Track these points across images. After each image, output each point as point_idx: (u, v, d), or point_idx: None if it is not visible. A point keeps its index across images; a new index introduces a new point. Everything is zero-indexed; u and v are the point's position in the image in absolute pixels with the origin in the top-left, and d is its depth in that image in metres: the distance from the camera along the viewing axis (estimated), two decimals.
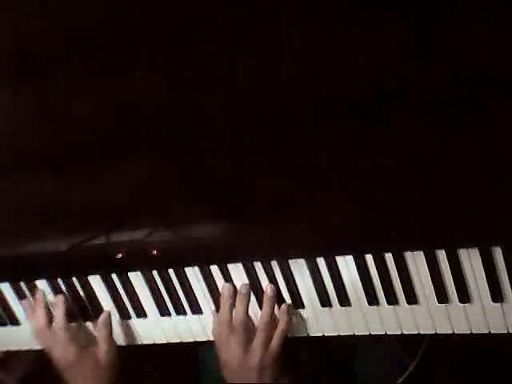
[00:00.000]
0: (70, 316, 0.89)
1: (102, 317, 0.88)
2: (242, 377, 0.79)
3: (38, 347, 1.00)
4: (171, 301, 0.88)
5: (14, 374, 1.13)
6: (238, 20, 0.66)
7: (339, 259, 0.77)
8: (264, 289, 0.81)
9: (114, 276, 0.90)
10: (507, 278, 0.70)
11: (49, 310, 0.88)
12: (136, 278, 0.88)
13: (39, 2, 0.70)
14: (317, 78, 0.67)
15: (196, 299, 0.86)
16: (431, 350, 0.88)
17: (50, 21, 0.71)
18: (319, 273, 0.79)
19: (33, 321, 0.89)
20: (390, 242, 0.74)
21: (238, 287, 0.82)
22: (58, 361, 0.87)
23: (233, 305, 0.81)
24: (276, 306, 0.81)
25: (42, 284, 0.94)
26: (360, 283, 0.77)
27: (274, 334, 0.80)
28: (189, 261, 0.84)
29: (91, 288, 0.92)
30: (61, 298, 0.89)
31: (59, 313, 0.87)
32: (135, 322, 0.91)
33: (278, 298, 0.82)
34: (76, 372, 0.86)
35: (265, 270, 0.81)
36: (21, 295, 0.96)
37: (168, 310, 0.88)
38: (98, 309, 0.93)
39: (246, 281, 0.82)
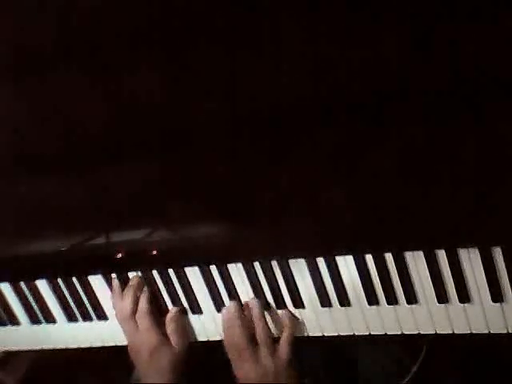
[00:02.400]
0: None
1: (171, 312, 0.87)
2: None
3: (38, 347, 1.01)
4: (171, 301, 0.88)
5: (13, 374, 1.14)
6: (237, 20, 0.66)
7: (339, 259, 0.77)
8: (249, 304, 0.82)
9: (114, 276, 0.90)
10: (507, 278, 0.70)
11: (137, 297, 0.87)
12: None
13: (39, 2, 0.70)
14: (317, 78, 0.67)
15: (196, 299, 0.86)
16: (431, 350, 0.88)
17: (50, 21, 0.71)
18: (319, 273, 0.79)
19: (119, 305, 0.88)
20: (390, 242, 0.74)
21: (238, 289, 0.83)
22: (136, 350, 0.87)
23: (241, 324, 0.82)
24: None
25: (42, 284, 0.95)
26: (360, 283, 0.77)
27: (281, 341, 0.81)
28: (189, 261, 0.84)
29: (91, 288, 0.92)
30: (146, 287, 0.88)
31: (144, 300, 0.86)
32: None
33: (278, 299, 0.82)
34: (152, 362, 0.85)
35: (265, 270, 0.81)
36: (21, 295, 0.97)
37: (168, 310, 0.88)
38: (98, 309, 0.93)
39: (246, 281, 0.82)
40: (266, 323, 0.82)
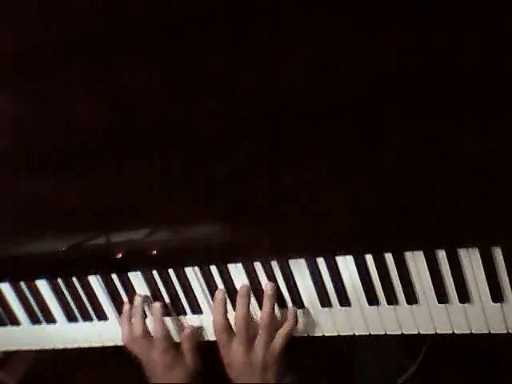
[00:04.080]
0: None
1: (187, 331, 0.87)
2: (246, 377, 0.80)
3: (38, 347, 1.01)
4: (171, 301, 0.88)
5: (14, 374, 1.14)
6: (237, 20, 0.66)
7: (339, 259, 0.77)
8: (264, 288, 0.81)
9: (114, 276, 0.90)
10: (507, 278, 0.70)
11: (144, 316, 0.87)
12: (136, 278, 0.89)
13: (38, 2, 0.70)
14: (317, 78, 0.67)
15: (196, 299, 0.86)
16: (431, 350, 0.88)
17: (49, 20, 0.71)
18: (319, 273, 0.79)
19: (127, 328, 0.88)
20: (390, 242, 0.74)
21: (238, 288, 0.83)
22: (152, 366, 0.87)
23: (226, 307, 0.82)
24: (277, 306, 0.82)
25: (42, 284, 0.95)
26: (360, 283, 0.77)
27: (278, 334, 0.81)
28: (189, 261, 0.84)
29: (91, 288, 0.92)
30: (158, 305, 0.87)
31: (159, 322, 0.86)
32: None
33: (278, 298, 0.82)
34: (165, 379, 0.85)
35: (265, 270, 0.81)
36: (21, 295, 0.97)
37: (168, 310, 0.88)
38: (98, 309, 0.93)
39: (246, 281, 0.82)
40: (274, 308, 0.80)
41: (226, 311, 0.82)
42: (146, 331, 0.87)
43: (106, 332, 0.94)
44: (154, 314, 0.87)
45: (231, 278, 0.83)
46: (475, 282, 0.72)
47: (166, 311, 0.88)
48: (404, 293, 0.76)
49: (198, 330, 0.88)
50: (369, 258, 0.76)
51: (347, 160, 0.70)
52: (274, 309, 0.80)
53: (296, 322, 0.82)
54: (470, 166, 0.66)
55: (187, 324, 0.88)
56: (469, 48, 0.61)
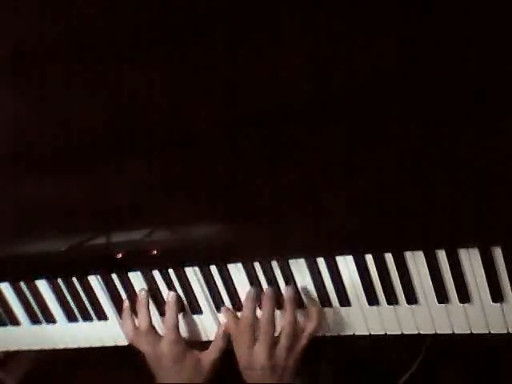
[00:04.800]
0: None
1: (219, 333, 0.86)
2: (264, 377, 0.79)
3: (38, 347, 1.01)
4: None
5: (14, 374, 1.14)
6: (238, 20, 0.66)
7: (339, 259, 0.77)
8: (283, 291, 0.80)
9: (114, 276, 0.90)
10: (507, 278, 0.70)
11: (149, 310, 0.87)
12: (136, 278, 0.89)
13: (39, 2, 0.70)
14: (317, 78, 0.67)
15: (196, 299, 0.86)
16: (431, 350, 0.88)
17: (49, 20, 0.71)
18: (319, 273, 0.79)
19: (131, 323, 0.88)
20: (390, 242, 0.74)
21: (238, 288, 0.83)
22: (158, 359, 0.86)
23: (256, 306, 0.81)
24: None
25: (42, 284, 0.95)
26: (360, 283, 0.77)
27: (303, 335, 0.80)
28: (189, 261, 0.84)
29: (91, 288, 0.92)
30: (174, 296, 0.86)
31: (173, 310, 0.85)
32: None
33: (279, 299, 0.82)
34: (174, 372, 0.84)
35: (265, 270, 0.81)
36: (21, 295, 0.97)
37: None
38: (98, 309, 0.93)
39: (246, 281, 0.82)
40: (295, 311, 0.80)
41: (255, 309, 0.81)
42: (152, 325, 0.87)
43: (106, 332, 0.94)
44: (168, 302, 0.86)
45: (231, 277, 0.83)
46: (475, 282, 0.72)
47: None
48: (404, 293, 0.76)
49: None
50: (369, 258, 0.76)
51: (347, 160, 0.70)
52: (294, 309, 0.80)
53: (320, 321, 0.80)
54: (470, 166, 0.66)
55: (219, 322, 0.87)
56: (469, 47, 0.61)
